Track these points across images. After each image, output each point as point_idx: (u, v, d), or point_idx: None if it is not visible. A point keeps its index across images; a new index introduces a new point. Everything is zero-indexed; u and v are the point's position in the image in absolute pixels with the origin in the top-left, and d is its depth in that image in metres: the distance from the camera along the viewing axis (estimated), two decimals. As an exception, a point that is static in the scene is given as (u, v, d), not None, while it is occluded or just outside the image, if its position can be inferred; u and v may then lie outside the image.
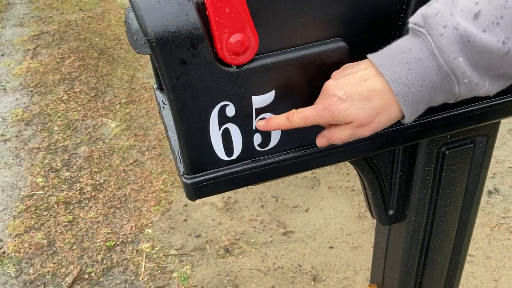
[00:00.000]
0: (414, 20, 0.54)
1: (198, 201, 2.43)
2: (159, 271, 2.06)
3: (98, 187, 2.52)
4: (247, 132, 0.65)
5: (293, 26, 0.60)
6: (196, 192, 0.66)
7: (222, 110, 0.62)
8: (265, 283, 2.00)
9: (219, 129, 0.63)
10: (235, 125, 0.63)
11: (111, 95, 3.33)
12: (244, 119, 0.63)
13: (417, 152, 0.87)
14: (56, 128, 2.99)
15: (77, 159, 2.72)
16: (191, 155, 0.64)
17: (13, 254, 2.13)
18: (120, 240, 2.21)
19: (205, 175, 0.66)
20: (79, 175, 2.60)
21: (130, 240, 2.21)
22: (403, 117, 0.58)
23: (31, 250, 2.15)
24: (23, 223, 2.29)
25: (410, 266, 1.04)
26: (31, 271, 2.05)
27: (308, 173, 2.62)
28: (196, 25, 0.55)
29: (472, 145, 0.89)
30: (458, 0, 0.51)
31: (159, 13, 0.54)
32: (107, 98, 3.30)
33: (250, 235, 2.23)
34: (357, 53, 0.64)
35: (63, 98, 3.30)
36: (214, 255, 2.13)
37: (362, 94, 0.56)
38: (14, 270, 2.06)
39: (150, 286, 1.99)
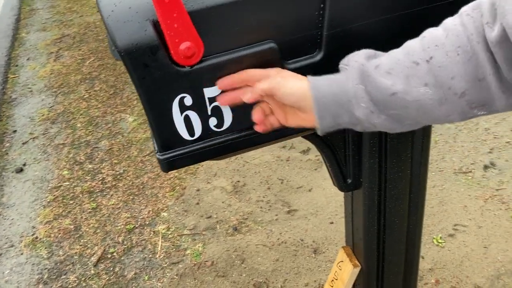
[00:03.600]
0: (342, 61, 0.74)
1: (209, 185, 2.63)
2: (174, 249, 2.27)
3: (118, 176, 2.74)
4: (204, 117, 0.82)
5: (231, 33, 0.77)
6: (168, 165, 0.85)
7: (181, 101, 0.80)
8: (270, 257, 2.19)
9: (181, 116, 0.81)
10: (193, 112, 0.81)
11: (129, 92, 3.55)
12: (200, 106, 0.81)
13: (362, 128, 1.03)
14: (79, 125, 3.23)
15: (99, 152, 2.96)
16: (161, 137, 0.82)
17: (44, 239, 2.38)
18: (138, 223, 2.43)
19: (173, 152, 0.84)
20: (101, 166, 2.83)
21: (147, 223, 2.43)
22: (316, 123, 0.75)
23: (60, 235, 2.39)
24: (52, 211, 2.54)
25: (370, 227, 1.20)
26: (61, 253, 2.30)
27: (312, 156, 2.78)
28: (153, 38, 0.73)
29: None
30: (372, 58, 0.71)
31: (124, 31, 0.73)
32: (125, 95, 3.52)
33: (257, 215, 2.42)
34: (285, 52, 0.81)
35: (85, 96, 3.55)
36: (223, 233, 2.33)
37: (293, 75, 0.76)
38: (46, 252, 2.30)
39: (166, 263, 2.20)
